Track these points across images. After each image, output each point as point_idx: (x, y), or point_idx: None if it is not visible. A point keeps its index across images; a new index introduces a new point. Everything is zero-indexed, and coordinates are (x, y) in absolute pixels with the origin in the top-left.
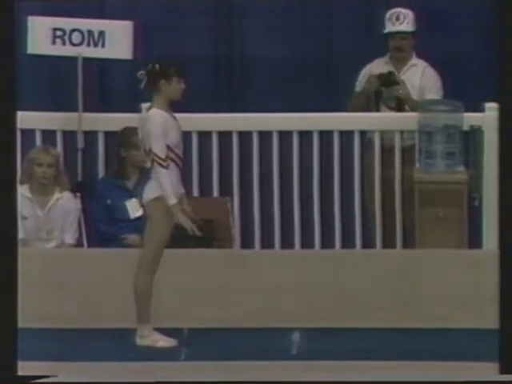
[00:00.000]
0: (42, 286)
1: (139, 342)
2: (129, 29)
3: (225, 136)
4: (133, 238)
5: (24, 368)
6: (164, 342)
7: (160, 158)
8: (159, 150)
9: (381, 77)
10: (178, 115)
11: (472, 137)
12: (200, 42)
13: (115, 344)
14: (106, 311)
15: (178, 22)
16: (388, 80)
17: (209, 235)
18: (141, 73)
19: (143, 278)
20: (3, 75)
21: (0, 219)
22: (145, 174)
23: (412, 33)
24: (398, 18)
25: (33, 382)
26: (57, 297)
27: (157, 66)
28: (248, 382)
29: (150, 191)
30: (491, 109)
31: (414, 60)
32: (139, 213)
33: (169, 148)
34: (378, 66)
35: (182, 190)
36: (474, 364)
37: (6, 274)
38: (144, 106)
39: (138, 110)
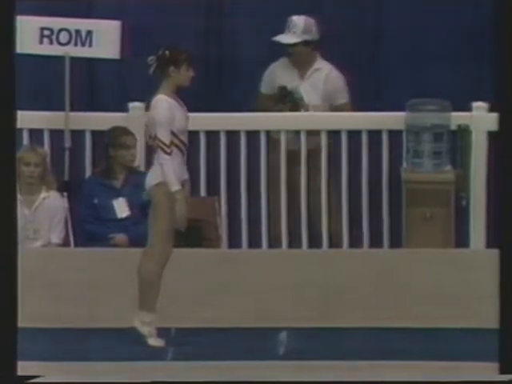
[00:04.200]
0: (40, 285)
1: (138, 327)
2: (116, 28)
3: (213, 135)
4: (120, 237)
5: (24, 368)
6: (155, 340)
7: (164, 144)
8: (164, 136)
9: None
10: None
11: (459, 136)
12: (189, 42)
13: (114, 344)
14: (105, 311)
15: (166, 22)
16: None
17: (196, 235)
18: (151, 58)
19: (151, 264)
20: (3, 75)
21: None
22: (132, 174)
23: (306, 41)
24: (288, 27)
25: (33, 381)
26: (53, 297)
27: (167, 53)
28: (238, 382)
29: (152, 177)
30: (479, 108)
31: (318, 64)
32: (126, 212)
33: (174, 134)
34: (281, 68)
35: (186, 176)
36: (473, 364)
37: (6, 273)
38: (131, 105)
39: (125, 110)
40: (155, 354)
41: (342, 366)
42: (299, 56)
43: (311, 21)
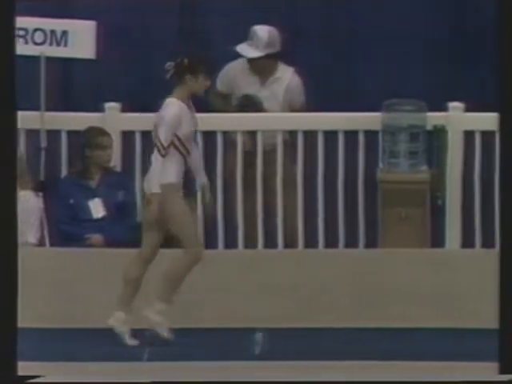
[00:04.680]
0: (41, 285)
1: (151, 316)
2: (92, 29)
3: None
4: (96, 238)
5: (24, 368)
6: (163, 329)
7: (161, 145)
8: (164, 137)
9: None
10: (141, 115)
11: (435, 136)
12: (163, 42)
13: (112, 344)
14: (104, 311)
15: (141, 22)
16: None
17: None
18: (169, 64)
19: (183, 263)
20: (3, 75)
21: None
22: (108, 174)
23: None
24: (251, 38)
25: (33, 381)
26: (49, 296)
27: (185, 61)
28: (218, 382)
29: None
30: (455, 108)
31: (279, 72)
32: (102, 213)
33: (179, 139)
34: (240, 71)
35: (205, 179)
36: (473, 364)
37: (6, 273)
38: (107, 105)
39: (101, 110)
40: (155, 355)
41: (337, 366)
42: (261, 66)
43: (275, 32)
